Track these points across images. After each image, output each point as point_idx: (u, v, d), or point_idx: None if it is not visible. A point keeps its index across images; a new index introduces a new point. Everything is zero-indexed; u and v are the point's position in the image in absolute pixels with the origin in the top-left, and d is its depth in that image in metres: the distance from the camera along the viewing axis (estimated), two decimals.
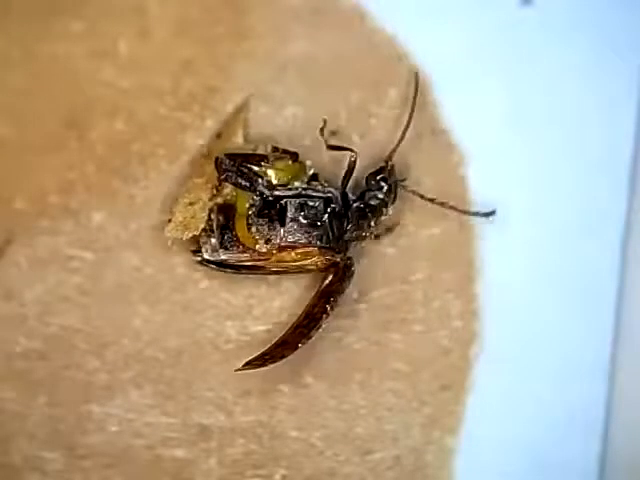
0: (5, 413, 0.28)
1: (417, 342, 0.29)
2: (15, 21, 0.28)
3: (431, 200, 0.29)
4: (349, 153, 0.28)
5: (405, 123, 0.28)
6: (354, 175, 0.28)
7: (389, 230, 0.29)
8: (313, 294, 0.28)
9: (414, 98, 0.28)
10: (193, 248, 0.28)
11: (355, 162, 0.28)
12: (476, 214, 0.29)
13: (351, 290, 0.29)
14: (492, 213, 0.29)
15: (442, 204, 0.29)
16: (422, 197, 0.29)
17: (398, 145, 0.28)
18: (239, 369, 0.27)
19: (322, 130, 0.28)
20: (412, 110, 0.28)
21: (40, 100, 0.29)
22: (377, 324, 0.29)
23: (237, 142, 0.28)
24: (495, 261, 0.30)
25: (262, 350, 0.28)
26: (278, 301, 0.29)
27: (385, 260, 0.29)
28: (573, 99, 0.30)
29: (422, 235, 0.29)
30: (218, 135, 0.29)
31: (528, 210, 0.30)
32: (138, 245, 0.29)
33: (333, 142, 0.28)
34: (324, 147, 0.28)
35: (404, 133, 0.28)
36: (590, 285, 0.30)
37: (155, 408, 0.29)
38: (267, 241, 0.27)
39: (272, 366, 0.27)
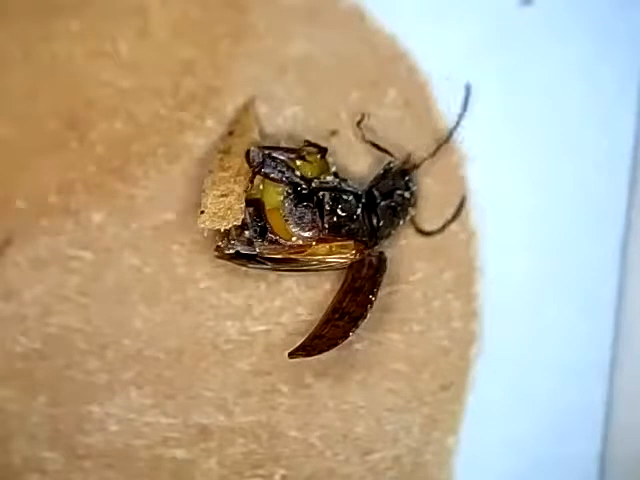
0: (5, 413, 0.28)
1: (417, 342, 0.29)
2: (15, 21, 0.28)
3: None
4: (387, 157, 0.28)
5: (445, 137, 0.29)
6: (358, 176, 0.28)
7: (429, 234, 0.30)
8: (339, 289, 0.28)
9: (464, 106, 0.29)
10: (220, 243, 0.28)
11: (393, 168, 0.28)
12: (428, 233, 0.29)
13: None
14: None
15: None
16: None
17: (433, 155, 0.28)
18: (290, 357, 0.27)
19: (359, 123, 0.28)
20: (458, 124, 0.29)
21: (40, 100, 0.29)
22: (377, 324, 0.29)
23: (254, 138, 0.28)
24: (495, 261, 0.30)
25: (301, 342, 0.28)
26: (278, 301, 0.29)
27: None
28: (573, 99, 0.30)
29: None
30: (230, 132, 0.29)
31: (528, 210, 0.30)
32: (138, 245, 0.29)
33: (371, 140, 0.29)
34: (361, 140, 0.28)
35: (448, 139, 0.28)
36: (590, 285, 0.30)
37: (155, 408, 0.29)
38: (305, 233, 0.27)
39: (277, 365, 0.28)
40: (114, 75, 0.29)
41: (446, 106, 0.30)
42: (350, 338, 0.28)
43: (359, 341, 0.29)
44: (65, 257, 0.29)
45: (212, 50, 0.29)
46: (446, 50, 0.30)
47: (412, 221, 0.29)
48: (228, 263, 0.28)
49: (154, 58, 0.29)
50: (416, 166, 0.29)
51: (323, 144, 0.28)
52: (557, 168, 0.30)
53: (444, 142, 0.29)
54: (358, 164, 0.29)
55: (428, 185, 0.29)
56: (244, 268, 0.28)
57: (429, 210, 0.29)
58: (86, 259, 0.29)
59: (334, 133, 0.29)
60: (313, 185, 0.27)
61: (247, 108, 0.29)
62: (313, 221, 0.27)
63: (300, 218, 0.27)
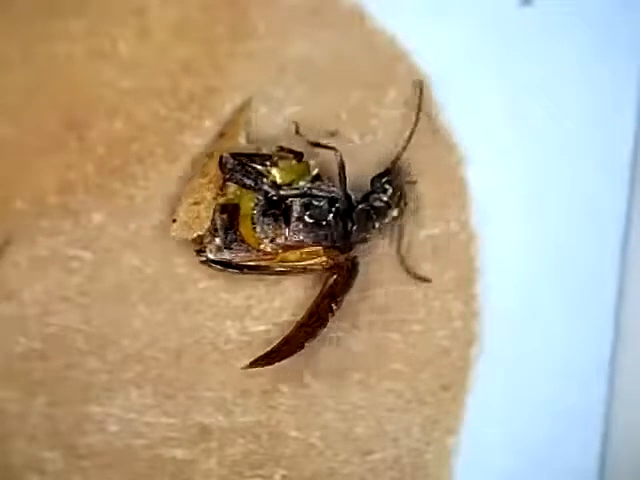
0: (5, 413, 0.28)
1: (417, 342, 0.29)
2: (15, 21, 0.28)
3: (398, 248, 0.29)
4: (334, 153, 0.28)
5: (410, 129, 0.28)
6: (358, 176, 0.28)
7: (416, 277, 0.29)
8: (317, 294, 0.28)
9: (419, 105, 0.28)
10: (197, 248, 0.28)
11: (342, 160, 0.28)
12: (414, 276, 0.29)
13: (351, 290, 0.29)
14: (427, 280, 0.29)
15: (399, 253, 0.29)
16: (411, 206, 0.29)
17: (404, 149, 0.28)
18: (245, 367, 0.27)
19: (297, 131, 0.28)
20: (417, 117, 0.28)
21: (40, 100, 0.29)
22: (377, 324, 0.29)
23: (240, 142, 0.28)
24: (495, 261, 0.30)
25: (267, 349, 0.28)
26: (278, 301, 0.29)
27: (385, 260, 0.29)
28: (573, 99, 0.30)
29: (422, 235, 0.29)
30: (221, 135, 0.29)
31: (528, 210, 0.30)
32: (138, 245, 0.29)
33: (327, 141, 0.28)
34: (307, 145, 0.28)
35: (409, 138, 0.28)
36: (590, 285, 0.30)
37: (155, 408, 0.29)
38: (272, 240, 0.27)
39: (276, 365, 0.28)
40: (114, 75, 0.29)
41: (446, 106, 0.30)
42: (305, 349, 0.28)
43: (359, 341, 0.29)
44: (65, 257, 0.29)
45: (212, 50, 0.29)
46: (446, 50, 0.30)
47: (403, 263, 0.29)
48: None
49: (154, 58, 0.29)
50: (392, 164, 0.28)
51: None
52: (557, 168, 0.30)
53: (411, 134, 0.28)
54: (358, 164, 0.29)
55: (428, 185, 0.29)
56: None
57: (429, 210, 0.29)
58: (86, 259, 0.29)
59: (334, 134, 0.29)
60: (282, 192, 0.27)
61: (241, 110, 0.29)
62: (279, 229, 0.27)
63: (267, 225, 0.27)
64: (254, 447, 0.29)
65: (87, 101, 0.29)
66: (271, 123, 0.29)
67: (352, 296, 0.29)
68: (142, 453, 0.29)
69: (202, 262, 0.28)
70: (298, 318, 0.28)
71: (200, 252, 0.28)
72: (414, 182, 0.29)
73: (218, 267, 0.28)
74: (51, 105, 0.29)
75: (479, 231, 0.30)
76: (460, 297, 0.30)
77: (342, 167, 0.28)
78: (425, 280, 0.29)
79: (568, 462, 0.30)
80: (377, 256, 0.29)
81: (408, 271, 0.29)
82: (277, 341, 0.28)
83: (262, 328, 0.29)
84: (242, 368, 0.27)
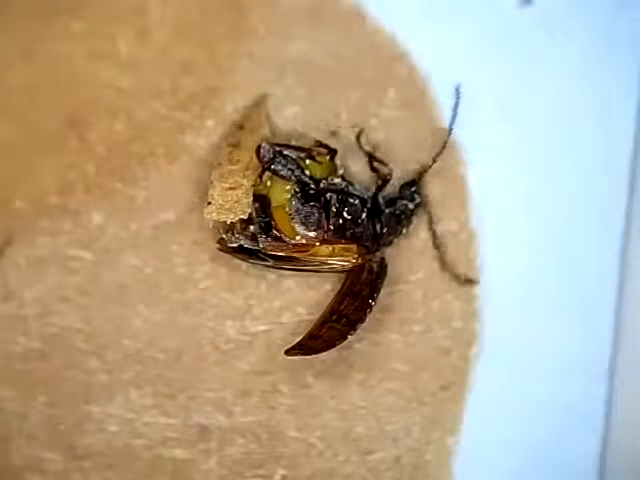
0: (5, 413, 0.28)
1: (417, 342, 0.29)
2: (15, 21, 0.28)
3: (434, 236, 0.29)
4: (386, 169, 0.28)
5: (444, 141, 0.28)
6: (358, 175, 0.29)
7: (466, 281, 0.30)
8: (337, 292, 0.28)
9: (453, 116, 0.29)
10: (225, 236, 0.28)
11: (390, 178, 0.28)
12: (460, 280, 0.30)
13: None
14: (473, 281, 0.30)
15: (438, 248, 0.29)
16: (431, 226, 0.29)
17: (434, 161, 0.28)
18: (286, 352, 0.28)
19: (358, 137, 0.29)
20: (451, 127, 0.29)
21: (40, 100, 0.29)
22: (377, 324, 0.29)
23: (264, 134, 0.28)
24: (495, 261, 0.30)
25: (297, 341, 0.28)
26: (278, 301, 0.29)
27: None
28: (573, 99, 0.30)
29: (422, 235, 0.29)
30: (240, 126, 0.29)
31: (528, 210, 0.30)
32: (138, 245, 0.29)
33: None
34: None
35: (443, 148, 0.28)
36: (590, 285, 0.30)
37: (155, 408, 0.29)
38: (310, 232, 0.27)
39: (276, 365, 0.28)
40: (114, 75, 0.29)
41: (446, 106, 0.30)
42: (348, 340, 0.28)
43: (359, 341, 0.29)
44: (65, 257, 0.29)
45: (212, 50, 0.29)
46: (446, 50, 0.30)
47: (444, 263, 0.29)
48: (228, 263, 0.29)
49: (154, 58, 0.29)
50: (422, 175, 0.29)
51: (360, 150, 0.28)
52: (557, 168, 0.30)
53: (442, 149, 0.29)
54: (358, 164, 0.29)
55: (427, 184, 0.29)
56: (244, 266, 0.28)
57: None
58: (86, 259, 0.29)
59: (333, 134, 0.29)
60: (321, 186, 0.27)
61: (258, 104, 0.29)
62: (319, 221, 0.27)
63: (306, 217, 0.27)
64: (254, 447, 0.29)
65: (87, 101, 0.29)
66: (271, 123, 0.29)
67: None
68: (142, 453, 0.29)
69: (228, 250, 0.28)
70: (299, 318, 0.28)
71: (227, 239, 0.28)
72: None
73: (241, 256, 0.28)
74: (51, 105, 0.29)
75: (479, 231, 0.30)
76: (460, 297, 0.30)
77: (387, 182, 0.28)
78: (471, 282, 0.29)
79: (568, 462, 0.30)
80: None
81: (454, 275, 0.29)
82: (302, 336, 0.28)
83: (262, 328, 0.29)
84: (285, 354, 0.28)
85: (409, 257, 0.29)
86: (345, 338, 0.28)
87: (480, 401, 0.30)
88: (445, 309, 0.30)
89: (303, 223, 0.27)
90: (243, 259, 0.28)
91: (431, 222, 0.29)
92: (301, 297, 0.29)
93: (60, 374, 0.29)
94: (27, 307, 0.28)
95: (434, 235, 0.29)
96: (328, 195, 0.27)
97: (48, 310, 0.29)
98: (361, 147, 0.29)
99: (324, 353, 0.29)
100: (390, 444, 0.29)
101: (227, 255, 0.29)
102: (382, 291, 0.29)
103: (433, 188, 0.30)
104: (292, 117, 0.29)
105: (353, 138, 0.29)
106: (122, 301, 0.29)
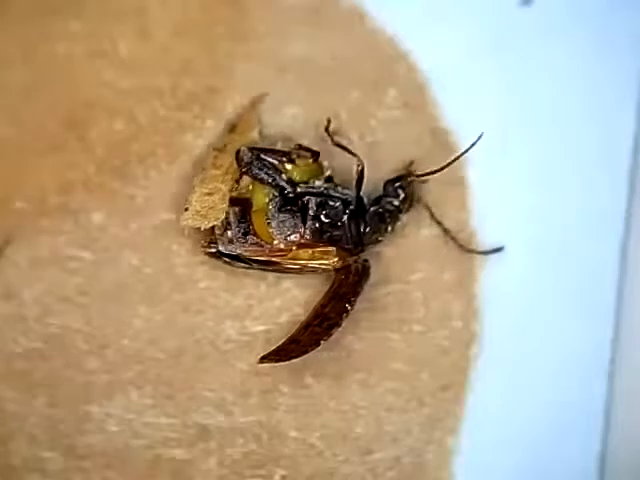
0: (5, 413, 0.28)
1: (417, 342, 0.29)
2: (15, 21, 0.28)
3: (438, 223, 0.29)
4: (356, 160, 0.28)
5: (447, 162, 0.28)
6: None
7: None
8: (324, 294, 0.28)
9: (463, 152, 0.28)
10: (206, 240, 0.28)
11: (363, 170, 0.27)
12: (482, 252, 0.29)
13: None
14: (499, 249, 0.29)
15: (447, 233, 0.29)
16: (432, 217, 0.29)
17: (435, 172, 0.28)
18: (258, 362, 0.27)
19: (327, 129, 0.28)
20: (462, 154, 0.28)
21: (40, 100, 0.29)
22: (377, 324, 0.29)
23: (253, 137, 0.28)
24: (495, 261, 0.30)
25: (275, 347, 0.28)
26: (278, 301, 0.29)
27: (385, 260, 0.29)
28: (573, 99, 0.30)
29: (422, 235, 0.29)
30: (231, 129, 0.29)
31: (528, 210, 0.30)
32: (138, 245, 0.29)
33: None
34: (329, 145, 0.28)
35: (443, 168, 0.28)
36: (590, 285, 0.30)
37: (155, 408, 0.29)
38: (287, 237, 0.27)
39: (276, 365, 0.28)
40: (114, 75, 0.29)
41: (446, 106, 0.30)
42: (321, 346, 0.27)
43: (359, 341, 0.29)
44: (65, 257, 0.29)
45: (212, 50, 0.29)
46: (446, 50, 0.30)
47: (427, 208, 0.29)
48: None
49: (154, 58, 0.29)
50: (408, 171, 0.29)
51: (315, 147, 0.28)
52: (557, 168, 0.30)
53: (445, 166, 0.28)
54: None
55: (428, 185, 0.29)
56: (241, 269, 0.28)
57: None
58: (86, 259, 0.29)
59: (334, 133, 0.29)
60: (299, 190, 0.27)
61: (253, 106, 0.29)
62: (295, 226, 0.27)
63: (282, 222, 0.27)
64: (254, 447, 0.29)
65: (87, 101, 0.29)
66: (271, 123, 0.29)
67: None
68: (142, 453, 0.29)
69: (210, 254, 0.28)
70: (298, 318, 0.28)
71: (210, 244, 0.28)
72: (425, 181, 0.29)
73: (226, 260, 0.28)
74: (51, 105, 0.29)
75: (479, 231, 0.30)
76: (460, 297, 0.30)
77: (361, 175, 0.28)
78: (493, 251, 0.29)
79: (568, 462, 0.30)
80: (377, 256, 0.29)
81: (466, 248, 0.29)
82: (283, 340, 0.28)
83: (262, 328, 0.29)
84: (258, 363, 0.27)
85: (409, 257, 0.29)
86: (318, 344, 0.27)
87: (480, 401, 0.30)
88: (445, 309, 0.30)
89: (279, 228, 0.27)
90: (228, 263, 0.28)
91: (432, 215, 0.29)
92: (300, 297, 0.29)
93: (60, 374, 0.29)
94: (27, 307, 0.28)
95: (440, 225, 0.29)
96: (306, 199, 0.27)
97: (48, 310, 0.29)
98: (331, 139, 0.28)
99: (324, 353, 0.29)
100: (390, 444, 0.29)
101: None
102: (382, 291, 0.29)
103: (433, 188, 0.29)
104: (292, 117, 0.29)
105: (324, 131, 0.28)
106: (122, 301, 0.29)
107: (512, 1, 0.30)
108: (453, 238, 0.29)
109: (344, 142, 0.28)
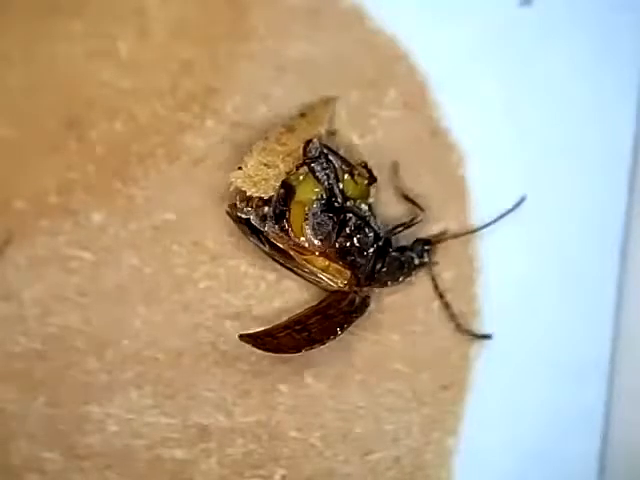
0: (5, 413, 0.28)
1: (417, 342, 0.29)
2: (15, 21, 0.28)
3: (441, 297, 0.29)
4: (419, 212, 0.28)
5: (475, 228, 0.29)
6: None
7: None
8: (310, 306, 0.28)
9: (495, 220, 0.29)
10: (242, 205, 0.27)
11: (416, 223, 0.28)
12: (472, 335, 0.29)
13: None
14: (487, 337, 0.29)
15: (447, 307, 0.29)
16: (436, 288, 0.29)
17: (459, 236, 0.29)
18: (241, 338, 0.27)
19: (396, 172, 0.29)
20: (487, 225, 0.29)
21: (40, 100, 0.29)
22: (377, 324, 0.29)
23: (320, 132, 0.28)
24: (495, 261, 0.30)
25: (255, 330, 0.28)
26: (278, 301, 0.29)
27: None
28: (573, 99, 0.30)
29: (422, 235, 0.29)
30: (302, 114, 0.29)
31: (528, 210, 0.30)
32: (138, 245, 0.29)
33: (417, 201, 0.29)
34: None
35: (472, 232, 0.29)
36: (590, 285, 0.30)
37: (154, 408, 0.29)
38: (316, 239, 0.27)
39: (277, 365, 0.28)
40: (114, 75, 0.29)
41: (446, 106, 0.30)
42: (300, 354, 0.28)
43: (359, 341, 0.29)
44: (65, 257, 0.29)
45: (212, 50, 0.29)
46: (446, 50, 0.30)
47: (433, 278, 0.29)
48: (228, 263, 0.29)
49: (154, 58, 0.29)
50: (439, 241, 0.29)
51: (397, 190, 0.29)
52: (557, 168, 0.30)
53: (473, 231, 0.29)
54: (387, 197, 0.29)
55: (428, 185, 0.29)
56: (244, 266, 0.28)
57: (429, 210, 0.29)
58: (86, 259, 0.29)
59: (332, 133, 0.29)
60: (347, 204, 0.27)
61: (327, 102, 0.29)
62: (328, 234, 0.27)
63: (319, 224, 0.27)
64: (254, 447, 0.29)
65: (87, 101, 0.29)
66: (271, 123, 0.29)
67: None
68: (142, 453, 0.29)
69: (234, 217, 0.28)
70: None
71: (239, 208, 0.27)
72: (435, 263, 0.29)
73: (245, 229, 0.28)
74: (51, 105, 0.29)
75: (479, 231, 0.30)
76: (460, 297, 0.30)
77: (411, 226, 0.28)
78: (483, 337, 0.29)
79: (568, 462, 0.30)
80: None
81: (468, 332, 0.29)
82: (260, 329, 0.28)
83: (262, 328, 0.29)
84: (239, 336, 0.27)
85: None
86: (299, 351, 0.27)
87: (480, 401, 0.30)
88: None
89: (314, 228, 0.27)
90: (244, 232, 0.28)
91: (437, 287, 0.29)
92: (300, 298, 0.29)
93: (60, 374, 0.29)
94: (27, 307, 0.28)
95: (441, 298, 0.29)
96: (349, 215, 0.27)
97: (48, 310, 0.29)
98: (399, 186, 0.29)
99: (324, 353, 0.29)
100: (390, 444, 0.29)
101: (227, 255, 0.29)
102: (382, 291, 0.29)
103: (433, 188, 0.29)
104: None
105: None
106: (122, 301, 0.29)
107: (512, 1, 0.30)
108: (452, 315, 0.29)
109: (411, 194, 0.29)
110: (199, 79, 0.29)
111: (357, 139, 0.29)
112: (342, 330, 0.28)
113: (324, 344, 0.28)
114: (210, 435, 0.29)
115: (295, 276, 0.29)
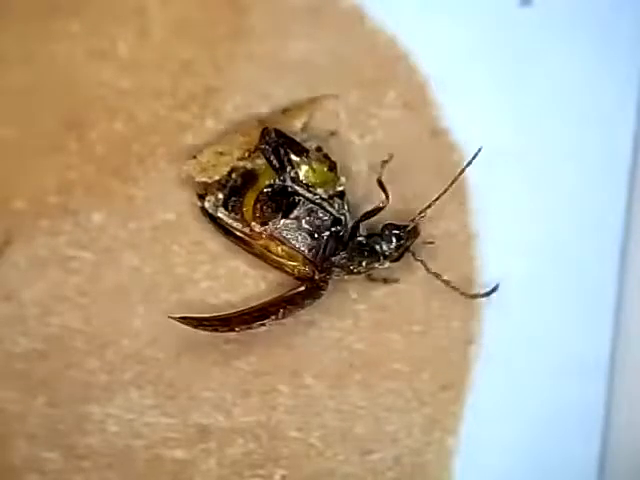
0: (5, 413, 0.28)
1: (417, 342, 0.29)
2: (15, 21, 0.28)
3: (436, 275, 0.28)
4: (383, 199, 0.28)
5: (442, 190, 0.28)
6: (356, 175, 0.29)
7: (385, 281, 0.29)
8: (277, 296, 0.28)
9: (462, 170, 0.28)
10: (200, 193, 0.28)
11: (380, 210, 0.28)
12: (481, 295, 0.29)
13: (350, 290, 0.29)
14: (494, 290, 0.29)
15: (446, 283, 0.28)
16: (428, 271, 0.28)
17: (428, 207, 0.28)
18: (174, 317, 0.27)
19: (384, 163, 0.28)
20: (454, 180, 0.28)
21: (40, 100, 0.29)
22: (377, 324, 0.29)
23: (295, 126, 0.28)
24: (495, 261, 0.30)
25: (206, 315, 0.28)
26: None
27: None
28: (573, 99, 0.30)
29: (422, 235, 0.29)
30: (284, 111, 0.29)
31: (528, 210, 0.30)
32: (138, 245, 0.29)
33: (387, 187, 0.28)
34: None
35: (437, 199, 0.28)
36: (590, 285, 0.30)
37: (154, 408, 0.29)
38: (263, 223, 0.27)
39: (277, 365, 0.28)
40: (114, 75, 0.29)
41: (446, 106, 0.30)
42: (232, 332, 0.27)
43: (359, 341, 0.29)
44: (65, 257, 0.29)
45: (212, 50, 0.29)
46: (446, 50, 0.30)
47: (422, 262, 0.29)
48: (228, 263, 0.29)
49: (154, 58, 0.29)
50: (412, 224, 0.28)
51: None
52: (557, 168, 0.30)
53: (437, 198, 0.28)
54: (359, 164, 0.29)
55: (428, 185, 0.29)
56: (244, 267, 0.29)
57: (429, 210, 0.29)
58: (86, 259, 0.29)
59: (333, 134, 0.29)
60: (297, 188, 0.27)
61: (314, 100, 0.29)
62: (274, 217, 0.27)
63: (266, 207, 0.27)
64: (254, 447, 0.29)
65: (87, 101, 0.29)
66: (270, 122, 0.29)
67: (352, 296, 0.29)
68: (142, 453, 0.29)
69: (201, 209, 0.28)
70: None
71: (200, 198, 0.28)
72: (431, 242, 0.29)
73: (210, 220, 0.28)
74: (51, 105, 0.29)
75: (479, 231, 0.30)
76: (460, 297, 0.29)
77: (375, 213, 0.28)
78: (472, 295, 0.29)
79: (568, 462, 0.30)
80: None
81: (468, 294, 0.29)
82: (218, 314, 0.28)
83: (262, 328, 0.29)
84: (170, 317, 0.27)
85: (409, 257, 0.29)
86: (233, 330, 0.27)
87: (480, 401, 0.30)
88: (445, 309, 0.30)
89: (261, 210, 0.27)
90: (210, 222, 0.28)
91: (427, 268, 0.28)
92: None
93: (60, 374, 0.29)
94: (27, 307, 0.28)
95: (439, 277, 0.29)
96: (297, 199, 0.27)
97: (48, 310, 0.29)
98: (380, 174, 0.28)
99: (324, 353, 0.29)
100: (390, 444, 0.29)
101: (227, 255, 0.29)
102: (382, 291, 0.29)
103: (433, 188, 0.29)
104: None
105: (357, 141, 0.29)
106: (122, 301, 0.29)
107: (512, 1, 0.30)
108: (454, 287, 0.29)
109: (385, 182, 0.28)
110: (199, 79, 0.29)
111: (357, 139, 0.29)
112: (285, 314, 0.27)
113: (264, 325, 0.27)
114: (210, 435, 0.29)
115: (269, 265, 0.29)
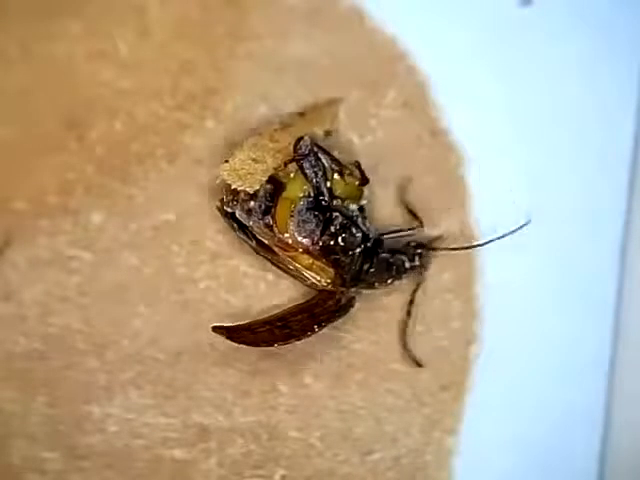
0: (5, 413, 0.28)
1: (417, 342, 0.29)
2: (15, 21, 0.28)
3: (408, 312, 0.29)
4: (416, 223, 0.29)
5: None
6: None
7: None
8: (297, 304, 0.28)
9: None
10: (228, 199, 0.28)
11: (415, 232, 0.28)
12: (412, 360, 0.29)
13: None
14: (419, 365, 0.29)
15: (405, 326, 0.29)
16: (412, 302, 0.29)
17: (457, 249, 0.29)
18: (214, 329, 0.28)
19: (405, 188, 0.29)
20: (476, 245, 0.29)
21: (40, 100, 0.29)
22: (377, 324, 0.29)
23: (318, 132, 0.28)
24: (495, 261, 0.30)
25: (233, 324, 0.28)
26: (277, 301, 0.29)
27: None
28: (573, 99, 0.30)
29: (418, 239, 0.29)
30: (302, 113, 0.29)
31: (528, 210, 0.30)
32: (138, 245, 0.29)
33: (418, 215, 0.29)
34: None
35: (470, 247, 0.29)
36: (590, 285, 0.30)
37: (154, 408, 0.29)
38: (300, 237, 0.27)
39: (277, 365, 0.28)
40: (114, 75, 0.29)
41: (446, 106, 0.30)
42: (274, 347, 0.28)
43: (359, 341, 0.29)
44: (64, 257, 0.29)
45: (212, 50, 0.29)
46: (446, 50, 0.30)
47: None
48: (228, 263, 0.29)
49: (154, 58, 0.29)
50: (433, 248, 0.29)
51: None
52: (557, 168, 0.30)
53: (468, 247, 0.29)
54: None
55: (428, 185, 0.29)
56: (244, 267, 0.28)
57: (428, 211, 0.29)
58: (86, 259, 0.29)
59: (328, 134, 0.29)
60: (334, 203, 0.27)
61: (330, 104, 0.29)
62: (312, 232, 0.27)
63: (304, 221, 0.27)
64: (254, 447, 0.29)
65: (87, 101, 0.29)
66: (271, 123, 0.29)
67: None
68: (141, 453, 0.29)
69: (222, 212, 0.28)
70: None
71: (229, 203, 0.28)
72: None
73: (233, 225, 0.28)
74: (51, 105, 0.29)
75: (479, 231, 0.30)
76: (460, 297, 0.30)
77: (408, 234, 0.28)
78: (418, 365, 0.29)
79: (568, 462, 0.30)
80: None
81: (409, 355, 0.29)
82: (239, 323, 0.28)
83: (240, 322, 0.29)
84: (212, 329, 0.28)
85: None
86: (271, 345, 0.28)
87: (480, 401, 0.30)
88: (445, 309, 0.30)
89: (298, 225, 0.27)
90: (231, 226, 0.28)
91: (414, 292, 0.29)
92: (300, 299, 0.29)
93: (60, 374, 0.29)
94: (27, 307, 0.28)
95: (410, 305, 0.29)
96: (334, 214, 0.27)
97: (48, 310, 0.29)
98: (404, 200, 0.29)
99: (324, 353, 0.29)
100: (390, 444, 0.29)
101: (226, 255, 0.29)
102: (382, 291, 0.29)
103: (433, 188, 0.29)
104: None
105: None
106: (122, 301, 0.29)
107: (512, 1, 0.30)
108: (404, 334, 0.29)
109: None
110: (199, 79, 0.29)
111: (357, 139, 0.29)
112: (320, 329, 0.28)
113: (300, 340, 0.28)
114: (210, 435, 0.29)
115: (290, 277, 0.29)
